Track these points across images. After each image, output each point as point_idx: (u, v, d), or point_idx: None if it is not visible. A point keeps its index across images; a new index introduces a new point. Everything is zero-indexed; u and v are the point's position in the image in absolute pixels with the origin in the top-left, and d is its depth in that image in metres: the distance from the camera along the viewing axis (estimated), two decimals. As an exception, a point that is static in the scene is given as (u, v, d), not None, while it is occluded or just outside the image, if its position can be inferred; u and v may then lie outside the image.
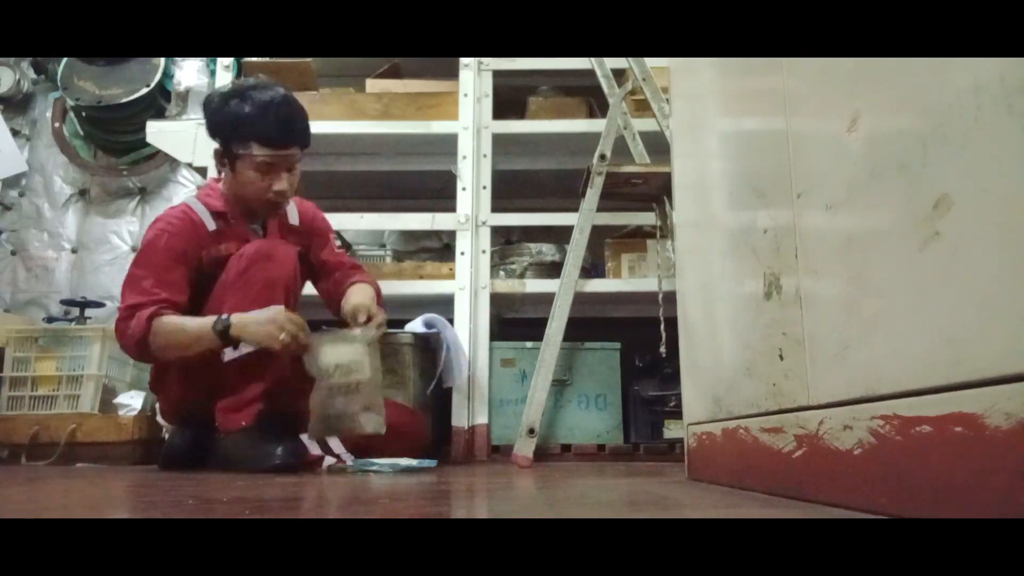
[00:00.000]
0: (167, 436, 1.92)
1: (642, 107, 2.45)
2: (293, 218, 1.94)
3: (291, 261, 1.76)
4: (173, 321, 1.66)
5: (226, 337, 1.63)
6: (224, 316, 1.64)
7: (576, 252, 2.17)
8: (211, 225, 1.79)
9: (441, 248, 3.13)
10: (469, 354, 2.37)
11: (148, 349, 1.67)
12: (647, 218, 2.41)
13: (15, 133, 3.32)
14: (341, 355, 1.66)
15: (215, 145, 1.79)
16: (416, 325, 2.27)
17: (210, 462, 1.75)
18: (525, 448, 2.00)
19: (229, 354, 1.68)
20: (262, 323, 1.62)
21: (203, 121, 1.82)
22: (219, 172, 1.86)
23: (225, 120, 1.74)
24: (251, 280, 1.69)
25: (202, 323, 1.65)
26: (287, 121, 1.74)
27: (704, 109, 1.40)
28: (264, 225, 1.88)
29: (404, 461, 1.71)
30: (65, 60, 3.01)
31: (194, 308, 1.75)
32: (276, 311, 1.63)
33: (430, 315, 2.29)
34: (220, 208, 1.82)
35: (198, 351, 1.66)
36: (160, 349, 1.67)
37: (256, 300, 1.66)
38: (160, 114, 2.98)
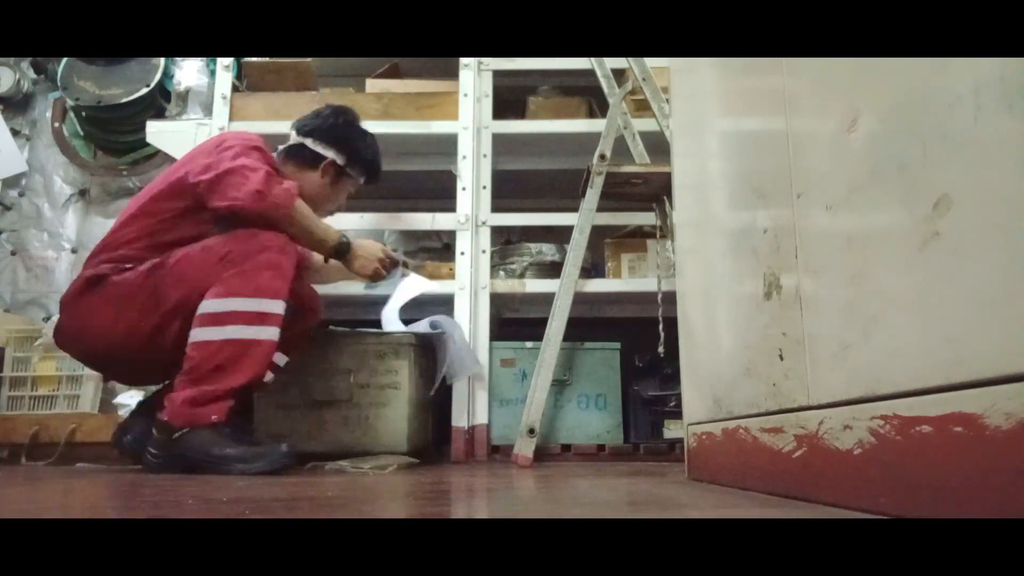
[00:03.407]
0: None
1: (642, 107, 2.45)
2: None
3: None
4: (305, 204, 1.77)
5: (340, 254, 1.84)
6: (346, 237, 1.85)
7: (576, 252, 2.17)
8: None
9: (441, 248, 3.13)
10: (469, 354, 2.37)
11: (279, 216, 1.69)
12: (647, 218, 2.41)
13: (15, 133, 3.32)
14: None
15: (329, 152, 1.91)
16: (423, 326, 2.24)
17: (156, 455, 1.61)
18: (525, 448, 2.00)
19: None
20: (368, 259, 1.88)
21: (338, 151, 1.94)
22: (299, 167, 1.91)
23: (362, 150, 1.97)
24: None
25: (328, 226, 1.84)
26: (381, 171, 2.08)
27: (704, 109, 1.40)
28: None
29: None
30: (65, 60, 3.01)
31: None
32: (379, 248, 1.92)
33: (438, 317, 2.27)
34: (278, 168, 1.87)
35: (310, 244, 1.83)
36: (290, 222, 1.72)
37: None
38: (160, 114, 2.97)
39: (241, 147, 1.73)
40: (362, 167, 1.98)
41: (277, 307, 1.64)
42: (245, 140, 1.78)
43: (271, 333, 1.63)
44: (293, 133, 1.96)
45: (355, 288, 2.14)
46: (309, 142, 1.91)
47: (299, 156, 1.91)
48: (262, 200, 1.64)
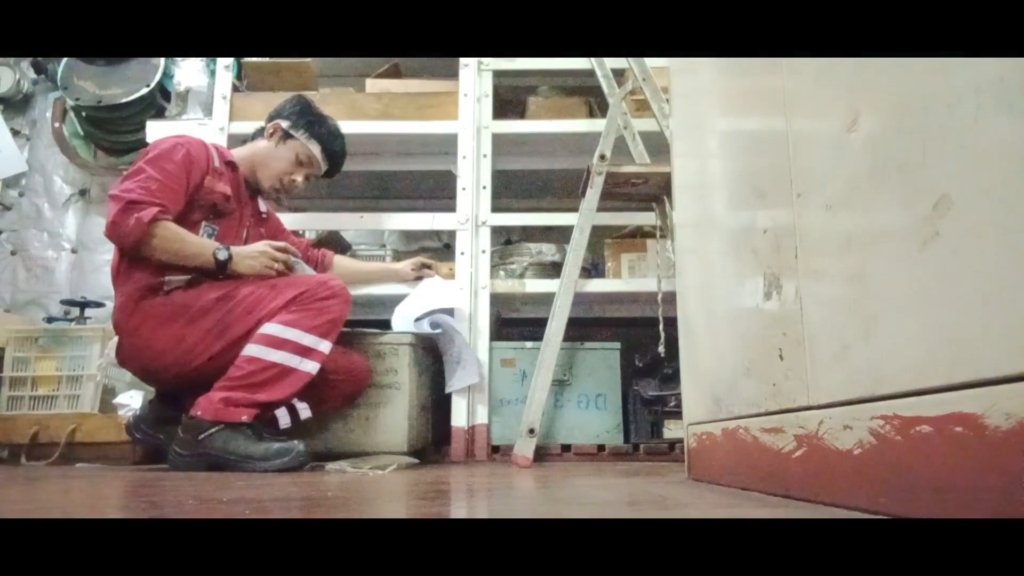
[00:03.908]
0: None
1: (642, 107, 2.44)
2: (263, 209, 2.17)
3: None
4: (174, 229, 1.80)
5: (223, 266, 1.82)
6: (226, 246, 1.84)
7: (576, 252, 2.17)
8: (216, 162, 1.96)
9: (441, 248, 3.13)
10: (469, 354, 2.37)
11: (139, 246, 1.76)
12: (647, 218, 2.41)
13: (15, 133, 3.32)
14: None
15: (278, 120, 2.07)
16: (424, 325, 2.23)
17: (181, 455, 1.73)
18: (525, 448, 2.00)
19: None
20: (255, 257, 1.86)
21: (285, 119, 2.09)
22: (255, 139, 2.11)
23: (314, 120, 2.08)
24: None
25: (203, 243, 1.85)
26: (342, 156, 2.16)
27: (704, 109, 1.40)
28: (252, 197, 2.09)
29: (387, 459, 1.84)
30: (65, 60, 3.00)
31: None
32: (265, 244, 1.90)
33: (439, 316, 2.27)
34: (229, 159, 2.02)
35: (188, 264, 1.82)
36: (152, 248, 1.77)
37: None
38: (160, 114, 2.97)
39: (141, 163, 1.82)
40: (312, 134, 2.07)
41: (324, 346, 1.80)
42: (157, 150, 1.85)
43: (311, 366, 1.78)
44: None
45: (356, 288, 2.14)
46: (267, 123, 2.11)
47: (259, 134, 2.12)
48: (115, 230, 1.76)
